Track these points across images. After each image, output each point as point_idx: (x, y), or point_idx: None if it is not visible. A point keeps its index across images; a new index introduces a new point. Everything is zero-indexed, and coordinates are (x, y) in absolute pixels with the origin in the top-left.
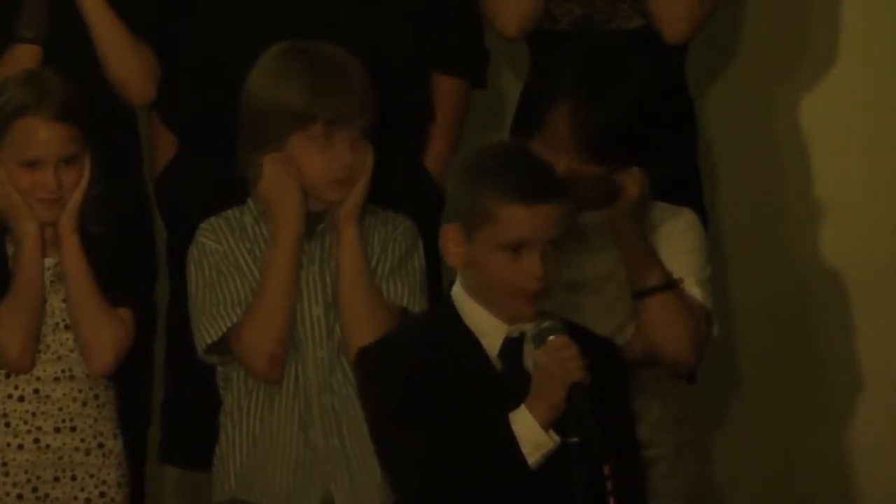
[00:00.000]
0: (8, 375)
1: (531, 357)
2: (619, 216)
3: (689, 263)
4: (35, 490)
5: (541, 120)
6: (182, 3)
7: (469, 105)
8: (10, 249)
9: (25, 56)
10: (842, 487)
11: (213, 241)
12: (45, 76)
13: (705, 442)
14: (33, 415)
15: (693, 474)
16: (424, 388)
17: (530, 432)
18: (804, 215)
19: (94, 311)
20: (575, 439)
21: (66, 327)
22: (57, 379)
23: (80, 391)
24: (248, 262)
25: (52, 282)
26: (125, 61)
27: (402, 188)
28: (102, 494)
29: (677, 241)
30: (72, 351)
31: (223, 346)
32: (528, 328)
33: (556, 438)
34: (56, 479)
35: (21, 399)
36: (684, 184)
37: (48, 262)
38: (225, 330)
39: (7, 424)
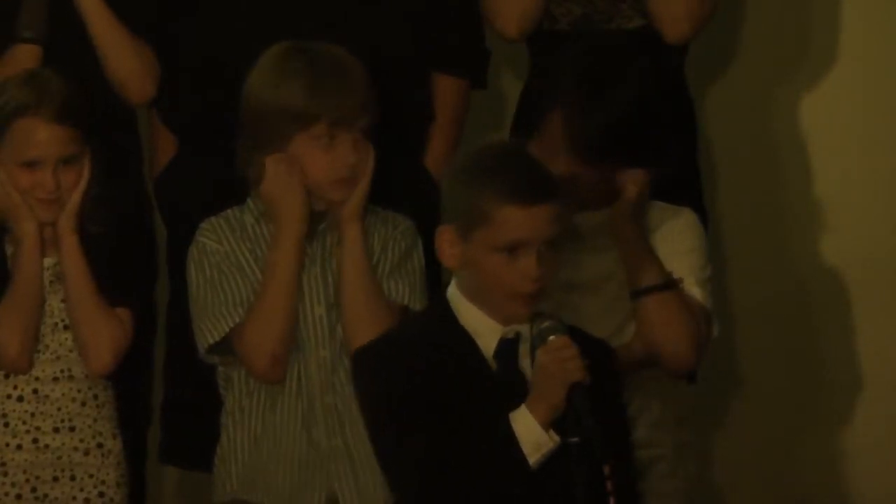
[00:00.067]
0: (7, 376)
1: (526, 358)
2: (619, 216)
3: (689, 263)
4: (34, 490)
5: (539, 123)
6: (182, 3)
7: (469, 105)
8: (9, 249)
9: (25, 56)
10: (842, 488)
11: (214, 240)
12: (45, 76)
13: (705, 442)
14: (32, 415)
15: (693, 474)
16: (424, 388)
17: (530, 432)
18: (804, 215)
19: (93, 311)
20: (575, 439)
21: (65, 327)
22: (56, 379)
23: (79, 391)
24: (250, 262)
25: (51, 282)
26: (124, 61)
27: (402, 188)
28: (101, 494)
29: (677, 241)
30: (71, 351)
31: (224, 346)
32: (524, 329)
33: (557, 438)
34: (55, 479)
35: (20, 399)
36: (684, 184)
37: (47, 262)
38: (227, 330)
39: (6, 424)
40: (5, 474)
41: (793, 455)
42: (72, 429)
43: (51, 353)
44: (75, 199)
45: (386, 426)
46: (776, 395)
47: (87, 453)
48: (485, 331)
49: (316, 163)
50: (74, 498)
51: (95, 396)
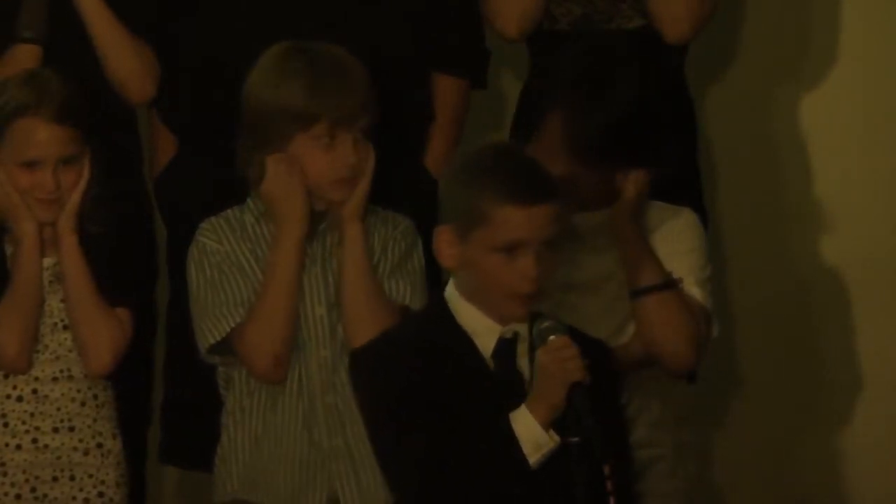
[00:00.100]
0: (6, 376)
1: (524, 357)
2: (619, 216)
3: (689, 263)
4: (33, 490)
5: (538, 124)
6: (182, 3)
7: (469, 105)
8: (8, 249)
9: (25, 56)
10: (841, 487)
11: (214, 240)
12: (45, 76)
13: (705, 442)
14: (31, 415)
15: (693, 474)
16: (423, 388)
17: (531, 432)
18: (804, 215)
19: (92, 311)
20: (575, 439)
21: (65, 327)
22: (55, 379)
23: (78, 391)
24: (250, 262)
25: (50, 282)
26: (124, 61)
27: (402, 188)
28: (101, 494)
29: (677, 241)
30: (70, 351)
31: (225, 346)
32: (522, 328)
33: (557, 438)
34: (54, 479)
35: (19, 399)
36: (684, 184)
37: (47, 262)
38: (228, 330)
39: (5, 424)
40: (4, 474)
41: (793, 455)
42: (71, 429)
43: (50, 353)
44: (75, 199)
45: (385, 426)
46: (776, 395)
47: (86, 453)
48: (483, 330)
49: (316, 163)
50: (74, 498)
51: (95, 396)
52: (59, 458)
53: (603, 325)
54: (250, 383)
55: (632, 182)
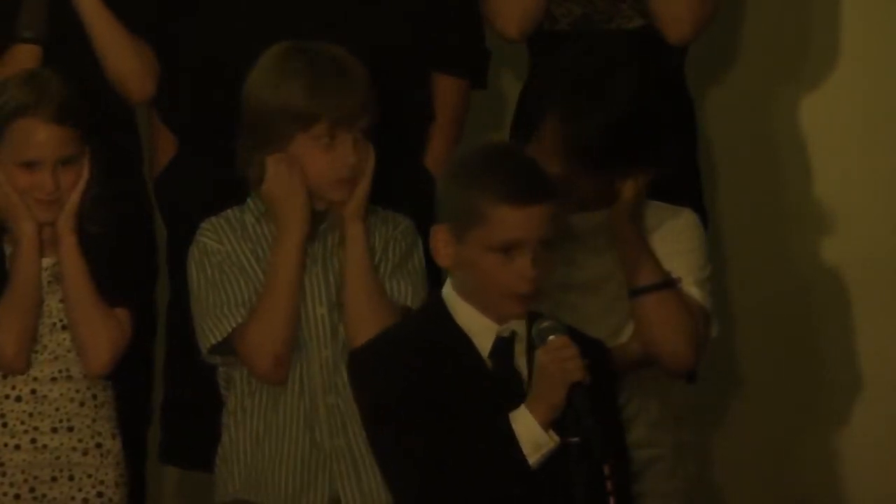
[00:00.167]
0: (5, 376)
1: (522, 357)
2: (618, 216)
3: (688, 263)
4: (32, 490)
5: (537, 125)
6: (182, 3)
7: (469, 105)
8: (7, 249)
9: (25, 56)
10: (841, 488)
11: (215, 240)
12: (45, 76)
13: (705, 442)
14: (30, 415)
15: (692, 474)
16: (421, 387)
17: (530, 432)
18: (804, 215)
19: (91, 311)
20: (575, 439)
21: (64, 327)
22: (54, 379)
23: (77, 391)
24: (251, 262)
25: (49, 282)
26: (124, 61)
27: (402, 188)
28: (100, 494)
29: (676, 241)
30: (69, 351)
31: (226, 346)
32: (519, 327)
33: (556, 438)
34: (53, 479)
35: (18, 399)
36: (684, 184)
37: (46, 262)
38: (229, 330)
39: (4, 425)
40: (3, 474)
41: (792, 455)
42: (70, 429)
43: (49, 353)
44: (74, 199)
45: (384, 426)
46: (776, 395)
47: (85, 453)
48: (480, 330)
49: (316, 163)
50: (73, 498)
51: (94, 396)
52: (57, 458)
53: (603, 325)
54: (251, 383)
55: (630, 182)
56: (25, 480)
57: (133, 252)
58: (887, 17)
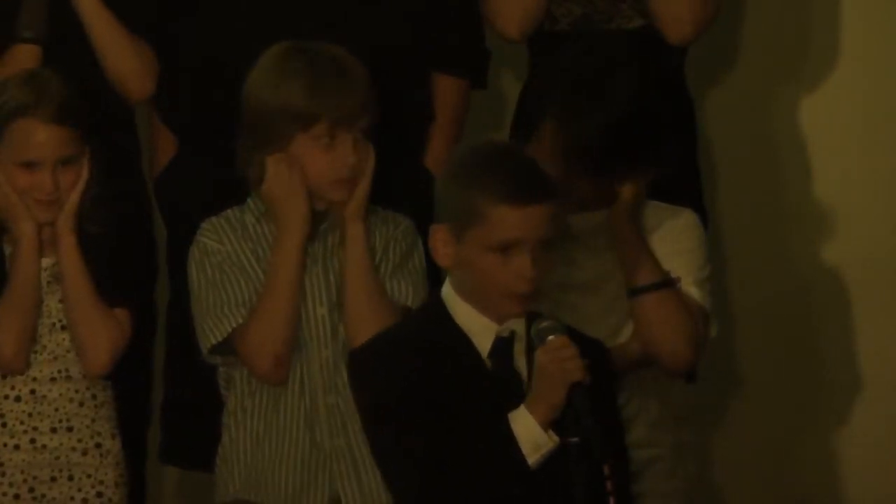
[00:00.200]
0: (4, 376)
1: (521, 356)
2: (617, 217)
3: (687, 263)
4: (32, 490)
5: (537, 126)
6: (182, 3)
7: (469, 105)
8: (7, 249)
9: (25, 56)
10: (841, 488)
11: (215, 240)
12: (45, 77)
13: (705, 442)
14: (30, 415)
15: (692, 474)
16: (421, 387)
17: (530, 432)
18: (804, 215)
19: (91, 311)
20: (575, 439)
21: (63, 328)
22: (53, 379)
23: (76, 391)
24: (252, 262)
25: (48, 282)
26: (123, 61)
27: (402, 188)
28: (100, 494)
29: (676, 241)
30: (68, 351)
31: (227, 346)
32: (518, 327)
33: (556, 438)
34: (53, 479)
35: (17, 399)
36: (684, 184)
37: (45, 262)
38: (229, 330)
39: (3, 425)
40: (3, 475)
41: (792, 455)
42: (69, 429)
43: (48, 353)
44: (74, 199)
45: (383, 426)
46: (776, 395)
47: (85, 453)
48: (479, 329)
49: (316, 163)
50: (72, 498)
51: (94, 396)
52: (57, 458)
53: (602, 325)
54: (252, 383)
55: (630, 182)
56: (25, 480)
57: (133, 252)
58: (887, 17)
